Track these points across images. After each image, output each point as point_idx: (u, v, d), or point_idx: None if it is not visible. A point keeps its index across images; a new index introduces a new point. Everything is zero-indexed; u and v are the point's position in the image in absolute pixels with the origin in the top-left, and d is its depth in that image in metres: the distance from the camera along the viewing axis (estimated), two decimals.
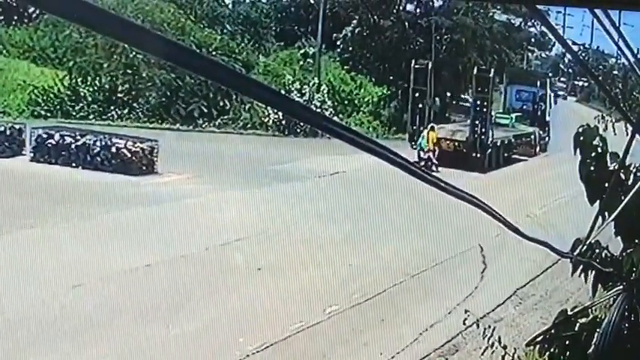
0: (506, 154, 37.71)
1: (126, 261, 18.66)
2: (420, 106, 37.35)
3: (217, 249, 20.40)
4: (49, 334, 15.16)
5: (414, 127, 37.11)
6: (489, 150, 36.04)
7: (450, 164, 32.69)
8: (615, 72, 46.13)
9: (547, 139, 42.23)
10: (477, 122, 36.17)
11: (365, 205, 26.03)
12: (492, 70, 37.78)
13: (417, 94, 37.49)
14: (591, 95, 53.58)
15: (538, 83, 44.12)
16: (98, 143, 28.74)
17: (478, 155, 35.27)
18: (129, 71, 37.97)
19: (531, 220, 24.19)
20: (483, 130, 36.03)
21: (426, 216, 23.09)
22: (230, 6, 47.54)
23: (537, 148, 41.34)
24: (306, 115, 2.90)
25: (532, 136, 41.27)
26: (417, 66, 37.71)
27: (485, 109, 36.22)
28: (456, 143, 35.88)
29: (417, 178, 3.73)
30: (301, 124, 31.04)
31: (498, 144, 37.00)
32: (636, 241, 9.36)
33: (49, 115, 36.72)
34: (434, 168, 32.33)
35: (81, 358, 14.62)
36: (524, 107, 43.25)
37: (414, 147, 35.04)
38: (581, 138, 9.35)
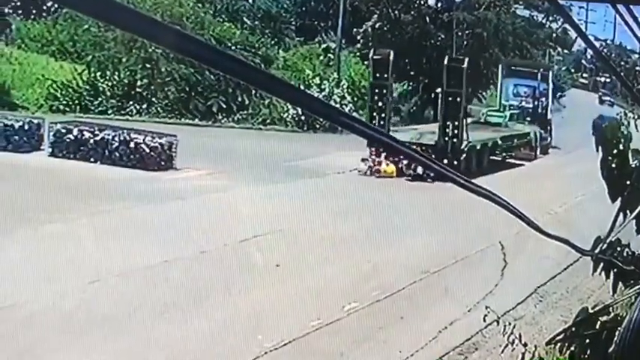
0: (495, 159, 33.56)
1: (144, 257, 18.66)
2: (380, 104, 32.40)
3: (236, 245, 20.36)
4: (69, 328, 15.18)
5: None
6: (464, 155, 31.05)
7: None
8: (638, 68, 45.80)
9: (549, 139, 38.55)
10: (447, 122, 31.03)
11: (384, 201, 25.95)
12: (466, 59, 32.11)
13: (377, 90, 32.52)
14: (613, 91, 53.26)
15: (539, 76, 40.14)
16: (117, 138, 28.73)
17: (449, 162, 28.59)
18: (148, 66, 37.99)
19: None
20: (455, 131, 30.91)
21: (446, 212, 22.99)
22: (250, 0, 47.49)
23: (537, 151, 37.24)
24: (324, 110, 2.85)
25: (530, 137, 36.87)
26: (375, 57, 33.02)
27: (457, 106, 31.02)
28: (423, 148, 28.82)
29: (438, 175, 3.67)
30: (320, 119, 30.80)
31: (478, 147, 32.14)
32: None
33: (67, 109, 36.79)
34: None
35: (99, 353, 14.62)
36: (523, 104, 39.49)
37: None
38: (603, 134, 9.25)
